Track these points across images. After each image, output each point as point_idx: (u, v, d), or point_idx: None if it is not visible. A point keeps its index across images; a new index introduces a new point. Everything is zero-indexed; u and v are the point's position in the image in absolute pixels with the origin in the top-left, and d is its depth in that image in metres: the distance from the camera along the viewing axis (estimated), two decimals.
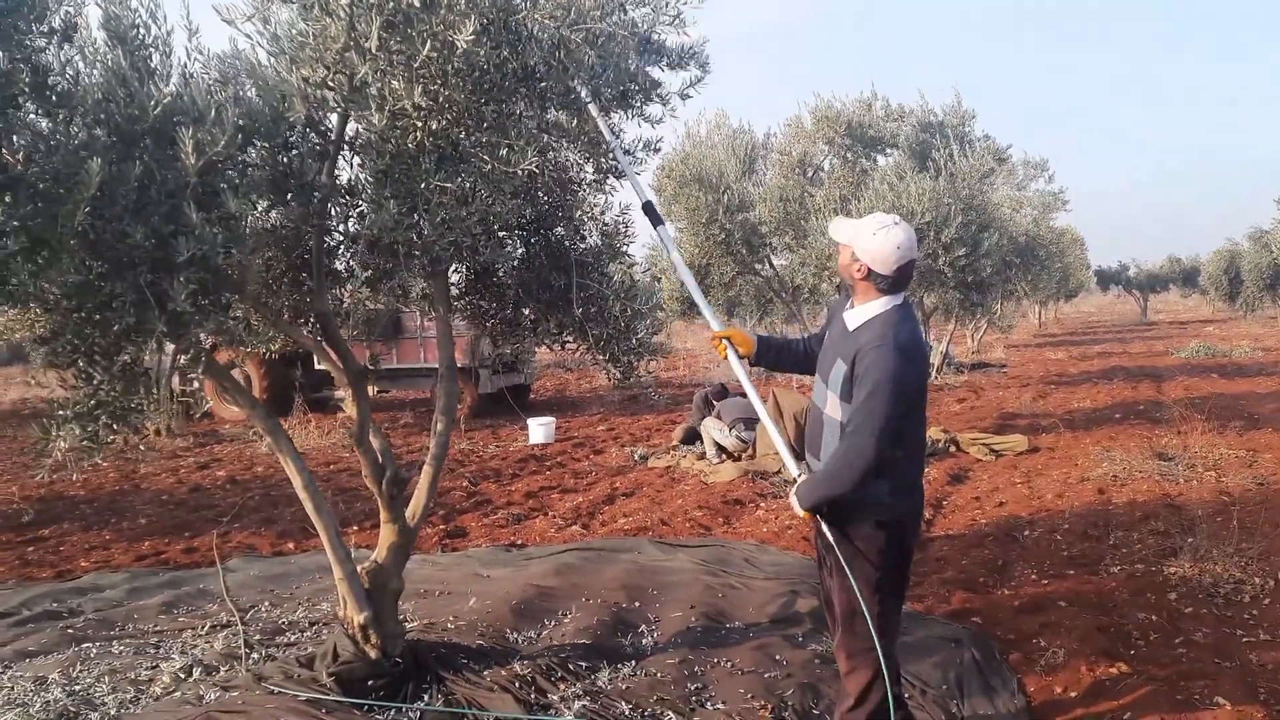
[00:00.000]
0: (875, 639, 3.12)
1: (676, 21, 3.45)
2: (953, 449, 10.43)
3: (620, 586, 5.49)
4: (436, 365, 13.36)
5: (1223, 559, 5.77)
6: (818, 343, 3.63)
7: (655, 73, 3.89)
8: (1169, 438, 10.44)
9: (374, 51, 2.67)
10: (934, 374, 18.22)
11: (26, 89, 2.61)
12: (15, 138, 2.75)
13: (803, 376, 16.85)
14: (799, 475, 3.35)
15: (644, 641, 4.76)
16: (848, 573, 3.18)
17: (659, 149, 4.27)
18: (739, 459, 9.85)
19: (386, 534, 4.21)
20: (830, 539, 3.21)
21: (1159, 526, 6.82)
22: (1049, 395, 15.35)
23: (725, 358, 3.68)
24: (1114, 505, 7.63)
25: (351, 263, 3.88)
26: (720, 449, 10.06)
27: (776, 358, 3.76)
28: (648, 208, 4.06)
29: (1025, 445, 10.44)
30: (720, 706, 3.97)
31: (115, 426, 3.26)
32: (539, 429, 12.13)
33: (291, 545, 7.15)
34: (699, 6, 3.42)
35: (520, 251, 4.41)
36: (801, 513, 3.23)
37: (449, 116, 3.02)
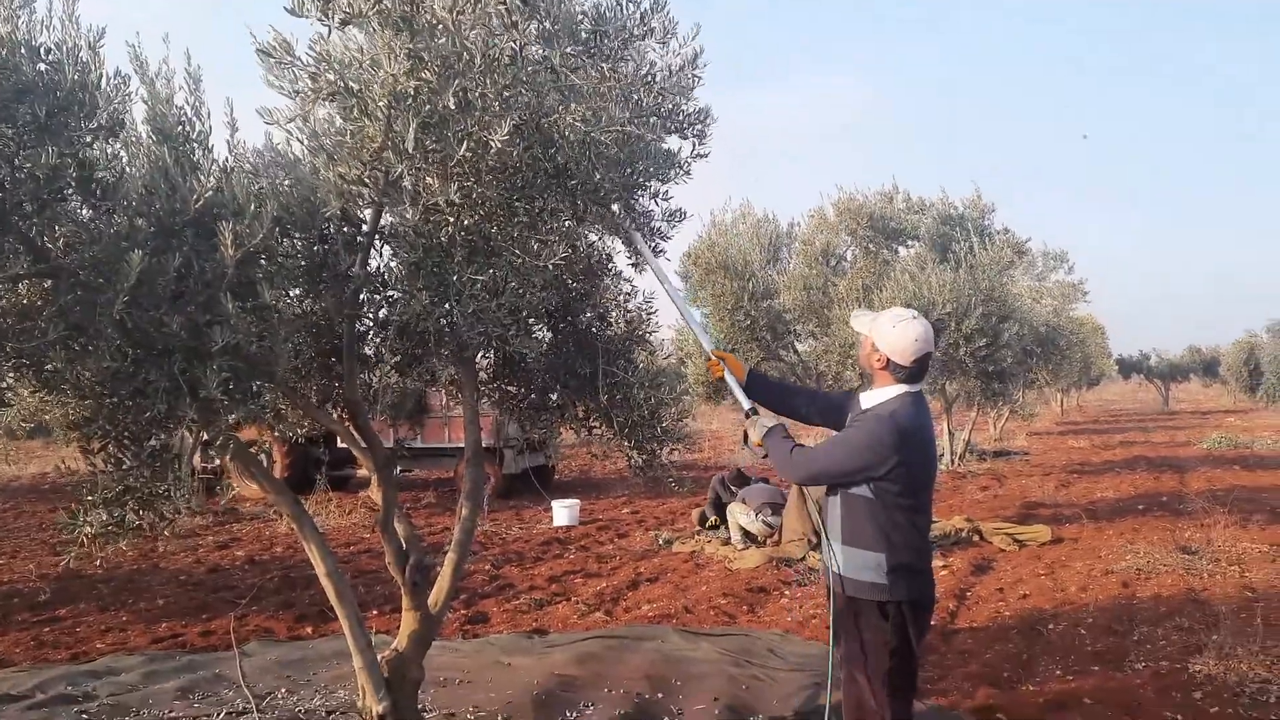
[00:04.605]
0: None
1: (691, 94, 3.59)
2: (976, 538, 10.29)
3: (644, 676, 5.41)
4: (460, 445, 13.30)
5: (1248, 657, 5.66)
6: (819, 399, 3.85)
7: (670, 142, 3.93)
8: (1192, 531, 10.30)
9: (410, 151, 2.73)
10: (956, 461, 18.10)
11: (73, 183, 2.68)
12: (57, 227, 2.81)
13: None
14: (750, 409, 3.65)
15: None
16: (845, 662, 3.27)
17: (683, 218, 4.24)
18: (764, 544, 9.76)
19: (408, 622, 4.17)
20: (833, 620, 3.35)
21: (1183, 622, 6.70)
22: (1072, 485, 15.16)
23: (721, 376, 3.79)
24: (1138, 599, 7.50)
25: (381, 347, 3.92)
26: (746, 534, 9.97)
27: (764, 392, 3.84)
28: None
29: (1049, 536, 10.29)
30: None
31: (141, 512, 3.27)
32: (563, 511, 12.06)
33: (310, 629, 7.09)
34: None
35: (548, 338, 4.44)
36: (756, 440, 3.49)
37: (481, 212, 3.07)
